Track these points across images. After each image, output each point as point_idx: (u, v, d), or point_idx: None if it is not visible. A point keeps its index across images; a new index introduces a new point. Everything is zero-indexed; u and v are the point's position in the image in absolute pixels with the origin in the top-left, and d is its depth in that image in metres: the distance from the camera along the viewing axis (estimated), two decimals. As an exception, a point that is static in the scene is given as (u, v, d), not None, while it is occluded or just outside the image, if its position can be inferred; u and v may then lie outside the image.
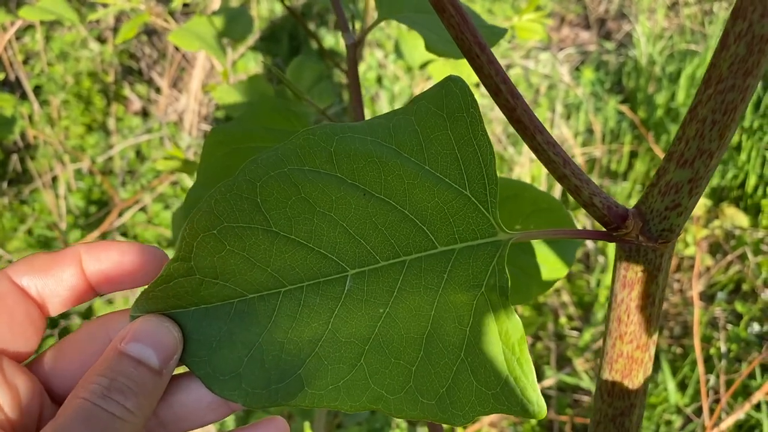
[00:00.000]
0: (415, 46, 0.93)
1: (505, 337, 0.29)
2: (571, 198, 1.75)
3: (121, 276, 0.31)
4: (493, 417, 1.28)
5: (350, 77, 0.51)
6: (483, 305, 0.29)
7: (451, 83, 0.29)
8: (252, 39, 2.03)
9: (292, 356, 0.29)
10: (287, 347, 0.29)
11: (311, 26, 2.19)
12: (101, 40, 2.10)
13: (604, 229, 0.29)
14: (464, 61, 0.93)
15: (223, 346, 0.29)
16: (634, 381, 0.30)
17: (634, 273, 0.29)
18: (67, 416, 0.26)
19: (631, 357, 0.30)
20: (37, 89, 1.93)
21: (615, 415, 0.31)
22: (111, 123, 1.92)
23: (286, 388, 0.29)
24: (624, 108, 1.93)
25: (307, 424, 1.06)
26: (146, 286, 0.29)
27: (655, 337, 0.30)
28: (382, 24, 2.17)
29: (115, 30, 2.08)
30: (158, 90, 2.09)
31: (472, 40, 0.25)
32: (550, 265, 0.47)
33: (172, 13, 2.03)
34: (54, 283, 0.30)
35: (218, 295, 0.29)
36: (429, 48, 0.48)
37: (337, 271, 0.30)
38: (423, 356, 0.29)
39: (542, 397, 0.28)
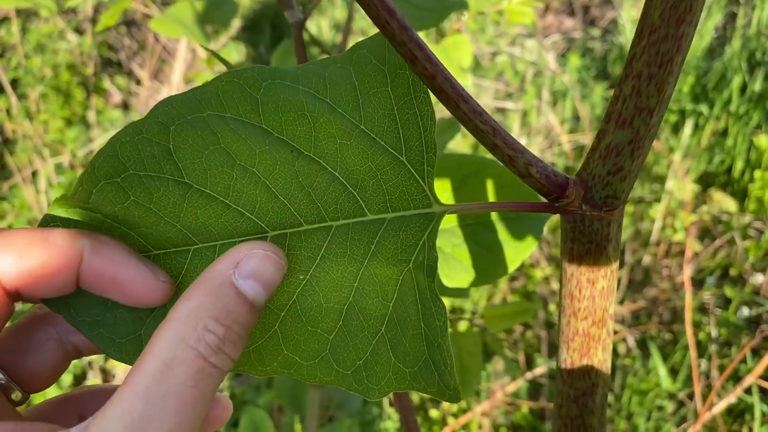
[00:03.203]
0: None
1: (427, 321, 0.27)
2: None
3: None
4: (485, 406, 1.27)
5: (298, 56, 0.48)
6: (409, 282, 0.28)
7: None
8: (234, 29, 2.00)
9: None
10: None
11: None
12: (79, 31, 2.06)
13: (546, 201, 0.28)
14: (446, 44, 0.91)
15: (120, 305, 0.27)
16: (593, 359, 0.29)
17: (581, 245, 0.27)
18: (177, 377, 0.23)
19: (588, 334, 0.28)
20: (15, 82, 1.89)
21: (577, 396, 0.30)
22: (91, 116, 1.89)
23: None
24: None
25: (297, 418, 1.05)
26: (45, 214, 0.26)
27: (612, 311, 0.29)
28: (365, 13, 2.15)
29: (94, 21, 2.04)
30: (139, 82, 2.06)
31: (379, 5, 0.23)
32: (515, 243, 0.45)
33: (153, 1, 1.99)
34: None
35: (121, 240, 0.27)
36: None
37: (255, 232, 0.27)
38: (342, 326, 0.28)
39: (459, 386, 0.27)
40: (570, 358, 0.29)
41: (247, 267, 0.25)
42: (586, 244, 0.27)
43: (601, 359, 0.29)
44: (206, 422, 0.28)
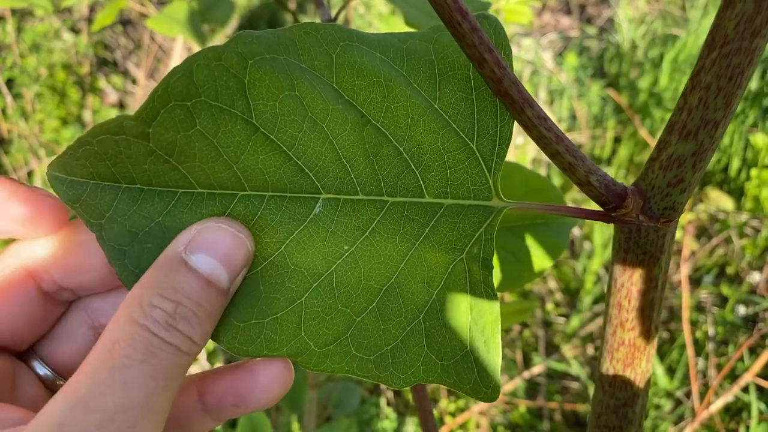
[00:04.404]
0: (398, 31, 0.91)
1: (477, 314, 0.26)
2: (562, 180, 1.73)
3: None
4: (483, 405, 1.27)
5: None
6: (460, 272, 0.27)
7: (485, 20, 0.25)
8: (230, 28, 2.00)
9: None
10: None
11: (290, 13, 2.16)
12: (75, 30, 2.05)
13: (601, 209, 0.27)
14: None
15: (150, 240, 0.25)
16: (636, 370, 0.29)
17: (635, 256, 0.27)
18: (123, 350, 0.22)
19: (633, 345, 0.28)
20: (10, 82, 1.88)
21: (617, 406, 0.29)
22: (87, 116, 1.88)
23: None
24: (611, 92, 1.93)
25: (294, 417, 1.05)
26: (83, 134, 0.25)
27: (658, 322, 0.28)
28: (362, 11, 2.15)
29: (89, 20, 2.04)
30: (135, 81, 2.05)
31: (452, 6, 0.23)
32: (542, 249, 0.45)
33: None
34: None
35: (162, 176, 0.25)
36: (408, 23, 0.46)
37: (309, 191, 0.26)
38: (374, 308, 0.26)
39: (500, 385, 0.26)
40: (613, 368, 0.29)
41: (197, 241, 0.24)
42: (640, 255, 0.27)
43: (644, 370, 0.29)
44: (259, 393, 0.27)
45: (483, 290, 0.26)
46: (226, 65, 0.24)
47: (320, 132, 0.26)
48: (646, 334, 0.28)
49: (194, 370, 1.28)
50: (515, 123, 0.26)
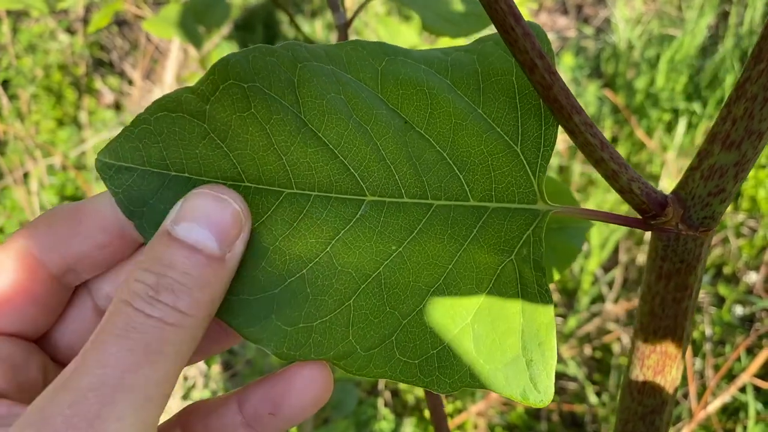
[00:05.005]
0: (398, 32, 0.90)
1: (529, 316, 0.26)
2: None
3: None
4: (480, 406, 1.27)
5: None
6: (510, 274, 0.27)
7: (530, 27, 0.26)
8: (226, 29, 1.99)
9: (274, 269, 0.25)
10: (272, 257, 0.25)
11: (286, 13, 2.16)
12: (71, 31, 2.04)
13: (639, 216, 0.27)
14: (441, 45, 0.91)
15: None
16: (667, 377, 0.29)
17: (672, 264, 0.27)
18: (105, 329, 0.21)
19: (665, 353, 0.28)
20: (6, 83, 1.88)
21: (645, 413, 0.29)
22: (83, 116, 1.88)
23: (253, 306, 0.25)
24: (608, 92, 1.93)
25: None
26: (140, 113, 0.25)
27: (690, 330, 0.28)
28: (361, 14, 2.14)
29: (85, 21, 2.03)
30: (131, 82, 2.05)
31: (507, 11, 0.23)
32: (557, 254, 0.45)
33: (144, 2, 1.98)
34: (78, 243, 0.25)
35: (212, 164, 0.25)
36: (426, 27, 0.47)
37: (354, 192, 0.26)
38: (422, 310, 0.26)
39: (553, 387, 0.26)
40: (643, 375, 0.29)
41: (181, 211, 0.23)
42: (677, 264, 0.27)
43: (674, 377, 0.29)
44: (293, 398, 0.26)
45: (536, 292, 0.26)
46: (278, 62, 0.25)
47: (364, 133, 0.26)
48: (678, 342, 0.28)
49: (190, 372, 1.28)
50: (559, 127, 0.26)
